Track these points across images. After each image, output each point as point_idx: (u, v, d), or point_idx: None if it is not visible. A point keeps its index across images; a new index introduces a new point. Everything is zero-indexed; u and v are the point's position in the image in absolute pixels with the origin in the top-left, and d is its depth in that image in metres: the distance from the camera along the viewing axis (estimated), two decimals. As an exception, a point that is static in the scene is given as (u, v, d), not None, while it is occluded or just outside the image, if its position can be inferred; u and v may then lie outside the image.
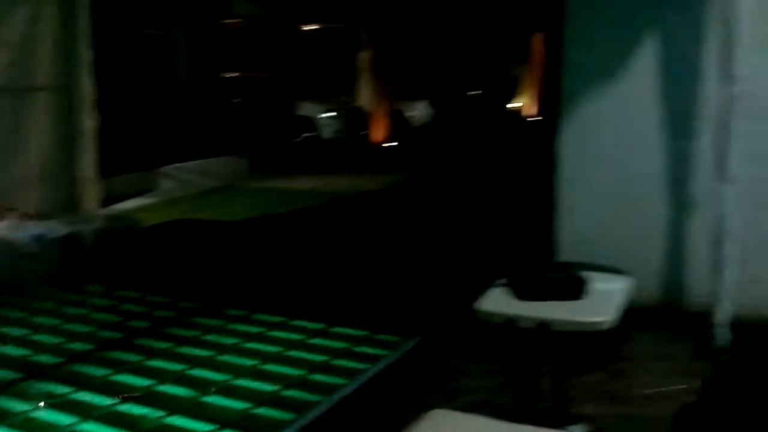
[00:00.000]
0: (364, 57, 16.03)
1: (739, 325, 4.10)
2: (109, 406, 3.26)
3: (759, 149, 3.94)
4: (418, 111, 17.51)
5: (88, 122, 6.44)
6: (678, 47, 4.44)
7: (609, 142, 4.71)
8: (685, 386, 3.68)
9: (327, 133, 15.21)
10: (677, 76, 4.46)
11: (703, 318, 4.14)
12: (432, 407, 2.02)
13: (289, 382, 3.51)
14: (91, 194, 6.54)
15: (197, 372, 3.65)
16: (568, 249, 4.78)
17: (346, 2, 15.61)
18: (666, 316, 4.53)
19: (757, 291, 4.24)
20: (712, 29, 3.99)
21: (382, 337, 4.10)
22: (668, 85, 4.50)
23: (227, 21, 14.89)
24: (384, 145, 15.67)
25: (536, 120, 18.51)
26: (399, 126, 16.33)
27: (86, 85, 6.42)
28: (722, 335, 4.02)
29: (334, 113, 15.40)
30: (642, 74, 4.55)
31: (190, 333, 4.24)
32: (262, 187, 10.82)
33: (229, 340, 4.11)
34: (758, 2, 3.75)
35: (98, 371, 3.66)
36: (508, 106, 20.42)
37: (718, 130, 3.89)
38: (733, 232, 3.91)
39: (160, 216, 8.09)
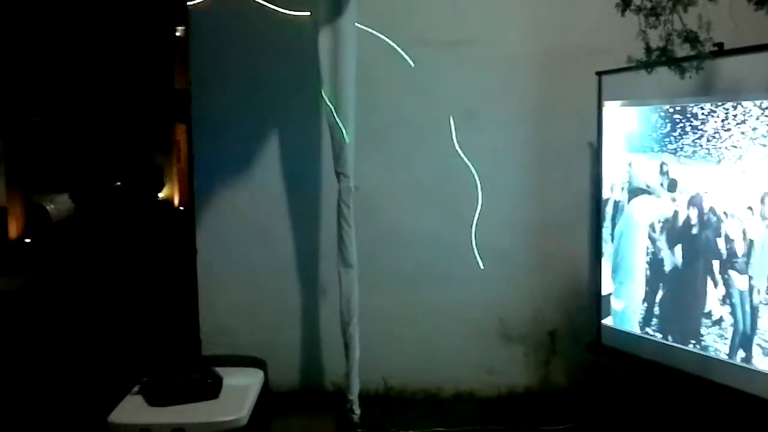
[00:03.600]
0: (-9, 147, 14.76)
1: (369, 397, 4.51)
2: None
3: (365, 236, 4.41)
4: (59, 204, 16.48)
5: None
6: (301, 144, 4.82)
7: (242, 232, 4.91)
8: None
9: (-50, 232, 13.65)
10: (300, 173, 4.84)
11: (340, 395, 4.46)
12: None
13: None
14: None
15: None
16: (211, 341, 4.86)
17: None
18: (308, 397, 4.78)
19: (379, 364, 4.68)
20: (325, 134, 4.41)
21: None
22: (293, 181, 4.85)
23: None
24: (21, 241, 14.43)
25: (183, 209, 18.42)
26: (37, 221, 15.20)
27: None
28: (356, 409, 4.35)
29: (-41, 210, 13.90)
30: (269, 170, 4.84)
31: None
32: None
33: None
34: (359, 105, 4.26)
35: None
36: (155, 196, 20.10)
37: (337, 220, 4.28)
38: (354, 313, 4.28)
39: None
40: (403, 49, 4.71)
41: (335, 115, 4.18)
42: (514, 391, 4.82)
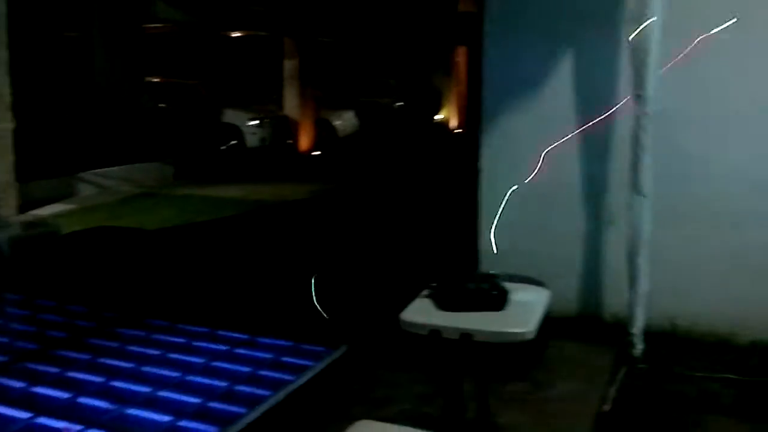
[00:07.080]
0: (290, 65, 15.99)
1: (651, 333, 4.29)
2: (27, 419, 3.17)
3: (663, 164, 4.11)
4: (345, 120, 17.56)
5: (4, 125, 6.25)
6: (594, 66, 4.60)
7: (529, 155, 4.78)
8: (603, 394, 3.80)
9: (253, 141, 15.13)
10: (594, 94, 4.61)
11: (619, 327, 4.30)
12: (357, 418, 2.05)
13: (213, 393, 3.48)
14: (7, 200, 6.32)
15: (118, 384, 3.58)
16: (490, 258, 4.88)
17: (272, 10, 15.54)
18: (583, 325, 4.67)
19: (666, 301, 4.41)
20: (625, 50, 4.13)
21: (308, 347, 4.11)
22: (585, 102, 4.65)
23: (149, 25, 14.65)
24: (310, 153, 15.65)
25: (460, 132, 18.76)
26: (325, 135, 16.36)
27: (2, 86, 6.22)
28: (638, 344, 4.17)
29: (261, 121, 15.31)
30: (560, 91, 4.69)
31: (111, 343, 4.15)
32: (187, 195, 10.67)
33: (152, 351, 4.05)
34: (666, 24, 3.91)
35: (15, 383, 3.55)
36: (432, 117, 20.65)
37: (632, 146, 4.04)
38: (645, 245, 4.06)
39: (80, 223, 7.88)
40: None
41: (639, 32, 3.89)
42: (823, 348, 4.32)
